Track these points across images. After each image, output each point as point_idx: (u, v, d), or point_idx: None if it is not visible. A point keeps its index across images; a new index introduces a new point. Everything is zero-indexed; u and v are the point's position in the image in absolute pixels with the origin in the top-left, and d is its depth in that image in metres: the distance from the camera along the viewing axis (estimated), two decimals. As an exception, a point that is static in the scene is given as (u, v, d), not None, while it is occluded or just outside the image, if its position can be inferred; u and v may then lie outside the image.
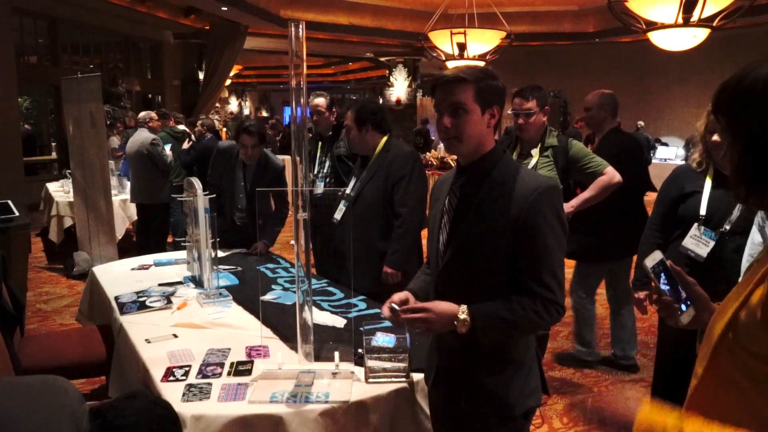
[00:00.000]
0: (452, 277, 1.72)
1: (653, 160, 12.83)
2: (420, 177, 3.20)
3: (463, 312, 1.61)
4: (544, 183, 1.63)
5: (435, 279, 1.78)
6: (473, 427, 1.72)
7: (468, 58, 9.02)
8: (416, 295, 1.80)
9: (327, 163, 3.89)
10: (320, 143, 3.98)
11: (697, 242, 2.49)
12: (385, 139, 3.21)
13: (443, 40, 9.11)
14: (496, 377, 1.68)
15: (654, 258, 1.20)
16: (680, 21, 5.94)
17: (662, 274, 1.19)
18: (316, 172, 3.92)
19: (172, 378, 1.96)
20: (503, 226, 1.60)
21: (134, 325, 2.47)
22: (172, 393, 1.84)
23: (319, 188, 3.85)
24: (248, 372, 2.00)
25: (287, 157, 10.03)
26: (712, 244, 2.44)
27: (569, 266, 3.05)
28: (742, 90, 0.97)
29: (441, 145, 13.33)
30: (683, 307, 1.18)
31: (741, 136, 0.97)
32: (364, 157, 3.27)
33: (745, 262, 2.13)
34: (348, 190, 3.28)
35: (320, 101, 4.00)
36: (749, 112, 0.96)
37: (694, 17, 5.92)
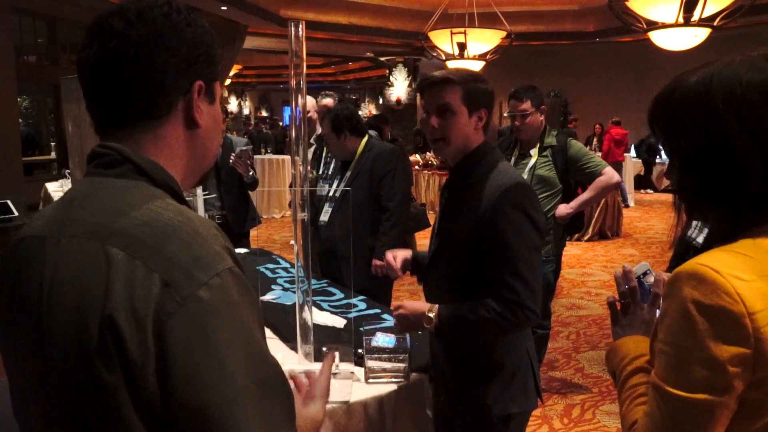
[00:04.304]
0: (435, 274, 1.78)
1: (657, 161, 12.84)
2: (404, 172, 3.34)
3: (431, 311, 1.67)
4: (509, 181, 1.61)
5: (424, 275, 1.84)
6: (454, 425, 1.77)
7: (468, 58, 9.01)
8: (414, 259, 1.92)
9: (332, 164, 3.89)
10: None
11: (701, 231, 2.52)
12: (364, 140, 3.30)
13: (443, 40, 9.10)
14: (474, 377, 1.69)
15: (640, 267, 1.13)
16: (681, 20, 5.94)
17: (645, 284, 1.13)
18: (320, 171, 3.91)
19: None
20: (472, 225, 1.62)
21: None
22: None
23: (323, 189, 3.86)
24: (248, 372, 1.99)
25: (287, 157, 9.97)
26: None
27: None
28: (673, 105, 0.92)
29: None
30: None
31: (678, 151, 0.93)
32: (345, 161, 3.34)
33: None
34: (331, 192, 3.33)
35: (328, 101, 4.02)
36: (683, 128, 0.91)
37: (695, 17, 5.91)
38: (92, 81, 0.83)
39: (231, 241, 0.82)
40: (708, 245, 0.89)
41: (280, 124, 17.49)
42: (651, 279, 1.10)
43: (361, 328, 2.09)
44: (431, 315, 1.66)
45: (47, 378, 0.76)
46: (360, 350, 1.95)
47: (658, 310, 1.11)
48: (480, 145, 1.70)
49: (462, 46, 8.88)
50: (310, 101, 4.00)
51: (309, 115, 3.91)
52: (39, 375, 0.77)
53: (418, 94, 16.60)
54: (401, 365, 1.90)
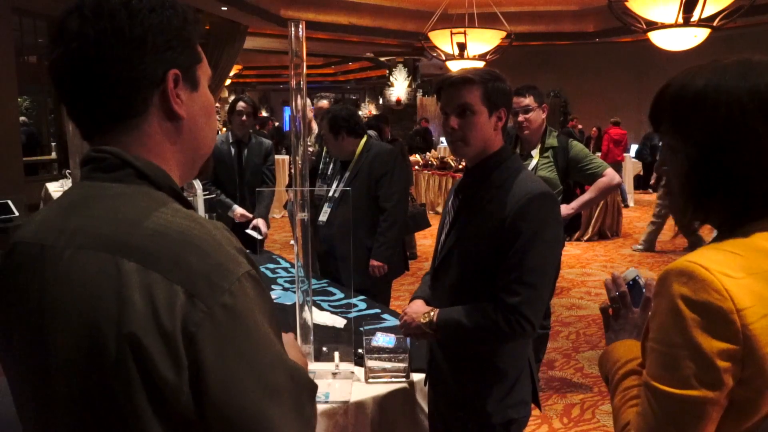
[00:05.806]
0: (445, 276, 1.73)
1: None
2: (401, 172, 3.37)
3: (429, 315, 1.65)
4: (535, 189, 1.59)
5: (431, 277, 1.80)
6: (454, 430, 1.75)
7: (468, 58, 9.01)
8: (426, 302, 1.82)
9: (331, 165, 3.89)
10: None
11: None
12: (363, 141, 3.30)
13: (443, 40, 9.11)
14: (476, 383, 1.67)
15: (629, 273, 1.12)
16: (680, 21, 5.94)
17: (634, 290, 1.11)
18: (320, 171, 3.91)
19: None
20: (491, 229, 1.59)
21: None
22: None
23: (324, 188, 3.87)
24: (248, 372, 1.99)
25: (286, 157, 9.94)
26: None
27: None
28: (678, 103, 0.91)
29: (441, 145, 13.32)
30: None
31: (689, 148, 0.91)
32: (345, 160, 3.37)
33: None
34: (330, 192, 3.34)
35: (324, 103, 4.03)
36: (685, 126, 0.90)
37: (695, 17, 5.92)
38: (61, 86, 0.78)
39: (245, 239, 0.82)
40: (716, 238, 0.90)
41: (276, 124, 17.46)
42: (642, 282, 1.10)
43: (361, 328, 2.10)
44: (427, 320, 1.65)
45: (49, 390, 0.74)
46: (360, 350, 1.95)
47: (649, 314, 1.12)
48: (500, 149, 1.67)
49: (462, 47, 8.88)
50: (326, 102, 4.06)
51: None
52: (38, 384, 0.75)
53: (419, 95, 16.63)
54: (401, 365, 1.90)
